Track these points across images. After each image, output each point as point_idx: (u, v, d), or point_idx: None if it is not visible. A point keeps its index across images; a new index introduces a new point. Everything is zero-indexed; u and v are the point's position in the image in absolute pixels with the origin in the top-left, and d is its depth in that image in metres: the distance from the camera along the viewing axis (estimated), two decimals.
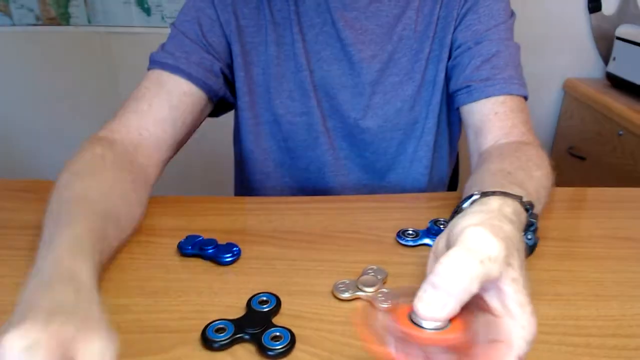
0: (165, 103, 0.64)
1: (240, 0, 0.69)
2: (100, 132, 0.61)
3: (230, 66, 0.71)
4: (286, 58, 0.70)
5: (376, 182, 0.76)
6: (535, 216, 0.44)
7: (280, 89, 0.71)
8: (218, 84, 0.68)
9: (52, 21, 1.76)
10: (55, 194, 0.49)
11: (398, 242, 0.54)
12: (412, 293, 0.30)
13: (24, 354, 0.28)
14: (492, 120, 0.64)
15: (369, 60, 0.69)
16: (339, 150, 0.74)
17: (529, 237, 0.45)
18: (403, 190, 0.75)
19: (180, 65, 0.64)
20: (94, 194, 0.48)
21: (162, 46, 0.67)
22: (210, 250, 0.51)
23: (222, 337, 0.39)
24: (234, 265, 0.50)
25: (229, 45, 0.70)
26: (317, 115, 0.71)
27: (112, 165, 0.54)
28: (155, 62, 0.65)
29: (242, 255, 0.52)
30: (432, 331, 0.29)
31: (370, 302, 0.44)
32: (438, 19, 0.69)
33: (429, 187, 0.76)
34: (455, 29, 0.68)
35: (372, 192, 0.75)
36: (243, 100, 0.72)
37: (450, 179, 0.85)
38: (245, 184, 0.80)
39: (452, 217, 0.42)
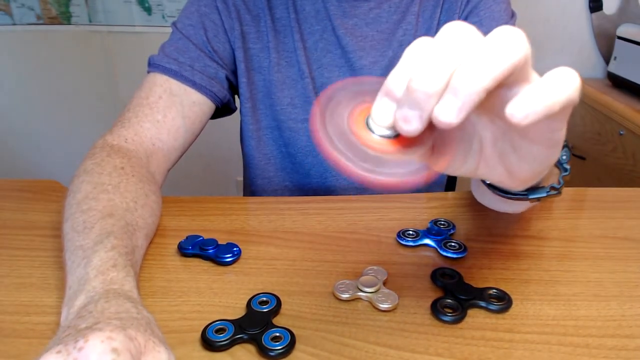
0: (179, 114, 0.64)
1: (243, 6, 0.69)
2: (110, 138, 0.60)
3: (235, 72, 0.71)
4: (287, 65, 0.70)
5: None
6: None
7: (281, 95, 0.71)
8: (223, 91, 0.68)
9: (52, 20, 1.77)
10: (75, 203, 0.49)
11: (398, 242, 0.54)
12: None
13: (110, 355, 0.28)
14: None
15: (369, 66, 0.69)
16: None
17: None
18: (402, 191, 0.75)
19: (186, 74, 0.64)
20: (122, 207, 0.49)
21: (163, 48, 0.67)
22: (211, 251, 0.51)
23: (222, 338, 0.39)
24: (234, 265, 0.50)
25: (233, 51, 0.70)
26: None
27: (133, 177, 0.54)
28: (157, 66, 0.65)
29: (242, 255, 0.52)
30: (381, 138, 0.29)
31: (370, 301, 0.44)
32: (439, 23, 0.68)
33: (425, 187, 0.76)
34: None
35: (372, 194, 0.75)
36: (245, 105, 0.72)
37: (448, 179, 0.85)
38: (248, 188, 0.80)
39: None
